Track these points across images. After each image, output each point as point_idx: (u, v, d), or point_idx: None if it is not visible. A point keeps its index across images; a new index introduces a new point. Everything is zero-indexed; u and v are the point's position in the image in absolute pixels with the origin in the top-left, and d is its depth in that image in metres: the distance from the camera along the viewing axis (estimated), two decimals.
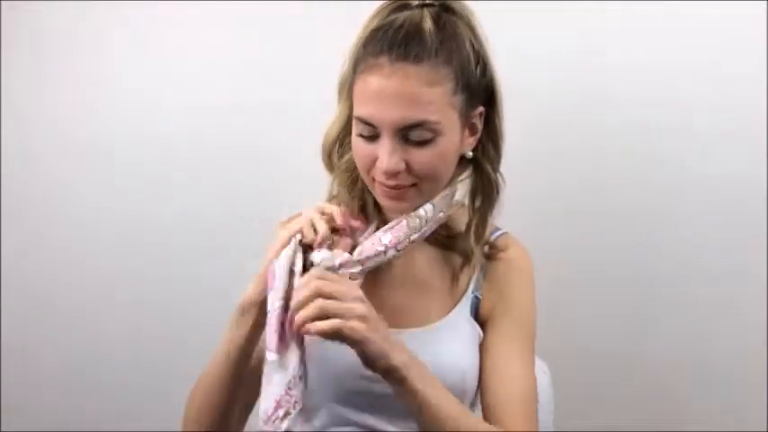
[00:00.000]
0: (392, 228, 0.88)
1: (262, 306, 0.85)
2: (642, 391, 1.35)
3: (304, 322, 0.77)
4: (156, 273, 1.43)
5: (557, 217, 1.33)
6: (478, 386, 0.92)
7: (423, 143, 0.83)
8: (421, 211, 0.88)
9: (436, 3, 0.85)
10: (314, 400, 0.94)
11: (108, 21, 1.38)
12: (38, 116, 1.42)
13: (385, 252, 0.87)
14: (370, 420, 0.93)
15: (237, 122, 1.39)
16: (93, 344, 1.45)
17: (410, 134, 0.83)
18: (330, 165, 0.95)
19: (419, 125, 0.82)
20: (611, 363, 1.35)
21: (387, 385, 0.85)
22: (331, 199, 0.96)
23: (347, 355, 0.84)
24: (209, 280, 1.40)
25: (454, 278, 0.95)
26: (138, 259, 1.43)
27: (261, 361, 0.85)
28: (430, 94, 0.81)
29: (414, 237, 0.88)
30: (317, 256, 0.85)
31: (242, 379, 0.90)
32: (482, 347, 0.94)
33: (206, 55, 1.38)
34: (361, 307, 0.79)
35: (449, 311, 0.93)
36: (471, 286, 0.95)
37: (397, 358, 0.79)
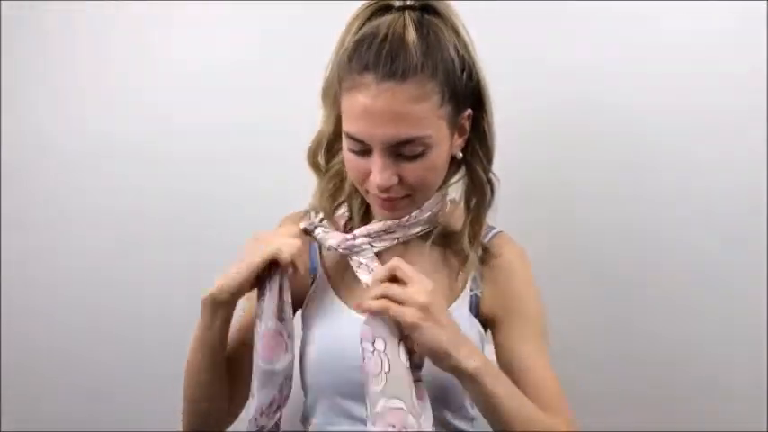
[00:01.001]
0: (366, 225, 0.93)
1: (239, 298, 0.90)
2: (642, 391, 1.35)
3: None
4: (156, 273, 1.43)
5: (558, 218, 1.33)
6: None
7: (414, 157, 0.84)
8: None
9: (417, 4, 0.85)
10: (315, 392, 0.95)
11: (108, 21, 1.38)
12: (38, 116, 1.42)
13: (354, 238, 0.91)
14: None
15: (238, 122, 1.38)
16: (92, 344, 1.45)
17: (401, 150, 0.84)
18: (317, 169, 0.96)
19: (410, 141, 0.83)
20: (611, 363, 1.35)
21: None
22: (316, 212, 0.98)
23: (346, 346, 0.85)
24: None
25: (452, 278, 0.95)
26: (137, 260, 1.43)
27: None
28: (418, 111, 0.81)
29: (396, 234, 0.91)
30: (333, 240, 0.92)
31: (222, 360, 0.92)
32: (497, 350, 0.95)
33: (206, 55, 1.38)
34: (425, 297, 0.80)
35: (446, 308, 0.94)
36: (468, 284, 0.96)
37: (469, 363, 0.80)
